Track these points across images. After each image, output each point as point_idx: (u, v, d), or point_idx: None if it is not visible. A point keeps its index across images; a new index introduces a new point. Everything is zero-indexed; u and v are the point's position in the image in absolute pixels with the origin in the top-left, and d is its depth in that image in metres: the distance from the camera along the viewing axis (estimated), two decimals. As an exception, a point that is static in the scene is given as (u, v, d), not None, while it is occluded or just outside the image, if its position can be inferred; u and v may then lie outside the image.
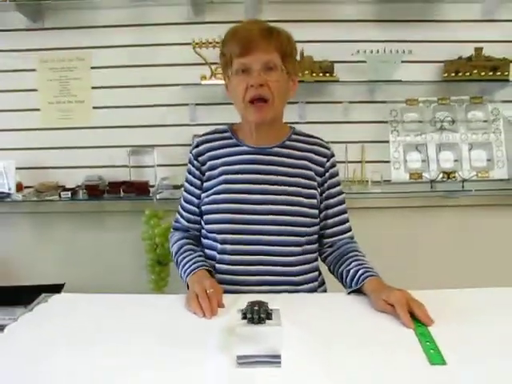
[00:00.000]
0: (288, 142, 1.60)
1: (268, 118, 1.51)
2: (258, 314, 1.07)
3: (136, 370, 1.07)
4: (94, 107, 2.69)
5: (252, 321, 1.07)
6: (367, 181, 2.58)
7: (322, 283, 1.69)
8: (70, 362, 1.10)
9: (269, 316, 1.09)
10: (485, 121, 2.60)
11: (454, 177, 2.52)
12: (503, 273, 2.20)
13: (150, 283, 2.48)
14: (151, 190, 2.59)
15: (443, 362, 1.08)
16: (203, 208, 1.58)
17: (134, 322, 1.31)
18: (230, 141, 1.61)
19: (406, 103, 2.61)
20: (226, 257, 1.54)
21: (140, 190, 2.57)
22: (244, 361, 1.06)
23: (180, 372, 1.06)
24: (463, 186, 2.52)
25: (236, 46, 1.48)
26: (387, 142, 2.60)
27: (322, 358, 1.11)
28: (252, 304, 1.11)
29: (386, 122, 2.62)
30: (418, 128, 2.61)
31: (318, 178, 1.59)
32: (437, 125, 2.60)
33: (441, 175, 2.53)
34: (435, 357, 1.10)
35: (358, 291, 1.45)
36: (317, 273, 1.64)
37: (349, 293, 1.46)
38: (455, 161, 2.58)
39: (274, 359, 1.07)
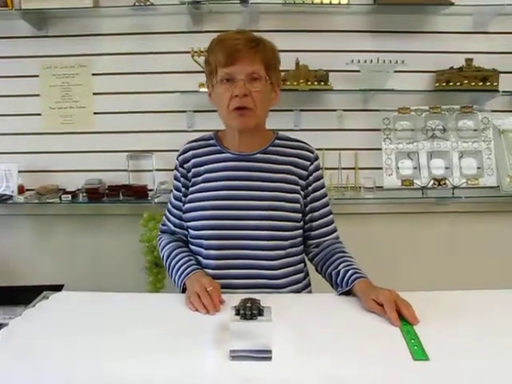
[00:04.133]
0: (271, 148, 1.62)
1: (250, 124, 1.54)
2: (250, 311, 1.13)
3: (134, 360, 1.12)
4: (95, 113, 2.73)
5: (244, 317, 1.13)
6: (360, 187, 2.62)
7: (308, 285, 1.71)
8: (71, 354, 1.15)
9: (260, 312, 1.14)
10: (475, 129, 2.65)
11: (444, 184, 2.57)
12: (491, 277, 2.22)
13: (147, 285, 2.52)
14: (150, 193, 2.62)
15: (426, 358, 1.13)
16: (188, 215, 1.60)
17: (132, 318, 1.36)
18: (214, 148, 1.63)
19: (399, 112, 2.66)
20: (211, 262, 1.57)
21: (139, 193, 2.60)
22: (237, 355, 1.11)
23: (175, 365, 1.11)
24: (453, 193, 2.56)
25: (221, 55, 1.50)
26: (380, 149, 2.64)
27: (310, 352, 1.16)
28: (245, 301, 1.17)
29: (378, 130, 2.66)
30: (409, 136, 2.66)
31: (302, 182, 1.61)
32: (428, 133, 2.65)
33: (432, 182, 2.57)
34: (418, 353, 1.15)
35: (347, 292, 1.48)
36: (301, 275, 1.66)
37: (340, 294, 1.50)
38: (446, 168, 2.63)
39: (265, 354, 1.12)
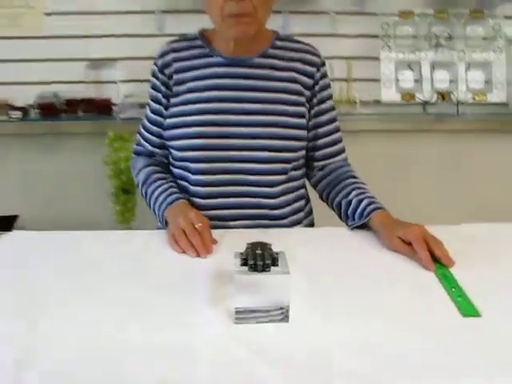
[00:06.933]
0: (271, 51, 1.39)
1: (250, 32, 1.29)
2: (262, 260, 0.86)
3: (108, 323, 0.88)
4: (46, 13, 2.35)
5: (255, 268, 0.87)
6: (355, 101, 2.35)
7: (310, 213, 1.53)
8: (29, 310, 0.90)
9: (274, 261, 0.89)
10: (484, 38, 2.36)
11: (449, 98, 2.32)
12: (496, 200, 2.20)
13: (115, 214, 2.26)
14: (114, 108, 2.34)
15: (477, 314, 0.92)
16: (169, 132, 1.38)
17: (103, 266, 1.10)
18: (201, 50, 1.39)
19: (400, 16, 2.35)
20: (201, 189, 1.36)
21: (101, 108, 2.33)
22: (244, 316, 0.88)
23: (165, 332, 0.86)
24: (458, 109, 2.32)
25: None
26: (377, 58, 2.36)
27: (331, 310, 0.93)
28: (253, 246, 0.90)
29: (376, 37, 2.37)
30: (411, 44, 2.36)
31: (307, 92, 1.40)
32: (432, 41, 2.36)
33: (435, 96, 2.32)
34: (466, 307, 0.94)
35: (361, 225, 1.29)
36: (302, 201, 1.47)
37: (353, 228, 1.30)
38: (451, 81, 2.37)
39: (281, 313, 0.88)
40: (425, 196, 2.38)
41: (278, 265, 0.88)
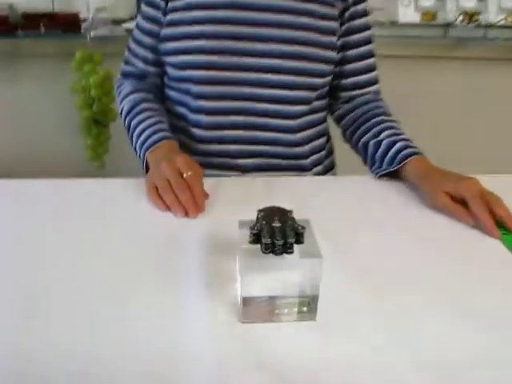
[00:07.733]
0: None
1: None
2: (282, 238, 0.58)
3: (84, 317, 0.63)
4: None
5: (272, 249, 0.58)
6: (368, 22, 2.05)
7: (331, 152, 1.33)
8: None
9: (299, 238, 0.60)
10: None
11: (476, 20, 2.04)
12: None
13: (85, 149, 1.97)
14: (83, 25, 2.04)
15: None
16: (166, 45, 1.13)
17: (66, 229, 0.83)
18: None
19: None
20: (203, 118, 1.13)
21: (67, 24, 2.03)
22: (254, 312, 0.61)
23: (143, 330, 0.62)
24: (486, 33, 2.05)
25: None
26: (394, -30, 2.05)
27: (374, 297, 0.68)
28: (266, 216, 0.62)
29: None
30: (433, -49, 2.07)
31: (339, 4, 1.14)
32: None
33: (460, 17, 2.04)
34: None
35: (391, 173, 1.06)
36: (324, 138, 1.27)
37: (380, 175, 1.06)
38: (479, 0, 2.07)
39: (305, 308, 0.62)
40: (443, 132, 2.13)
41: (302, 242, 0.60)
